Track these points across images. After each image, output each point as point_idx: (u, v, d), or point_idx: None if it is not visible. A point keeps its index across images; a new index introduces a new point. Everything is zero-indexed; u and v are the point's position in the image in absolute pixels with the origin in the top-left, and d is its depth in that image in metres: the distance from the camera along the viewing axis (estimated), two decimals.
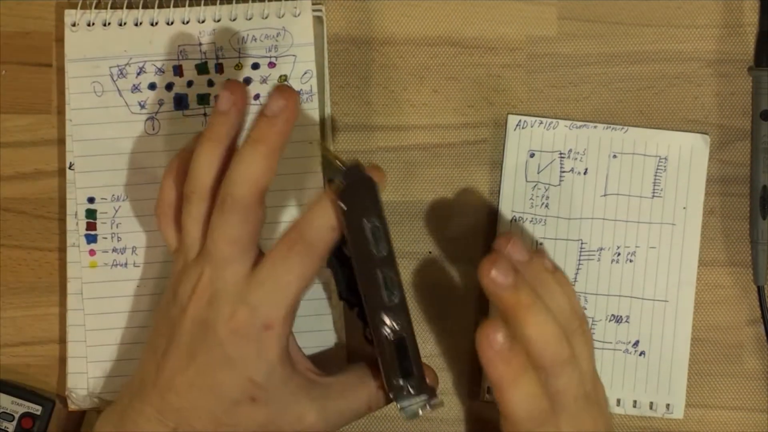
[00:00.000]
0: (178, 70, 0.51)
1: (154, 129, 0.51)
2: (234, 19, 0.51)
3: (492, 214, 0.52)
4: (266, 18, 0.51)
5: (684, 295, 0.51)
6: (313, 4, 0.51)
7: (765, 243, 0.51)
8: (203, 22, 0.51)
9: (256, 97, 0.51)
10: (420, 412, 0.43)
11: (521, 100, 0.52)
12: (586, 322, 0.46)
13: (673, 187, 0.52)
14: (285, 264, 0.42)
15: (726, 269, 0.52)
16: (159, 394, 0.43)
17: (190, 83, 0.51)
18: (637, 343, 0.51)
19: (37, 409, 0.50)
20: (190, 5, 0.52)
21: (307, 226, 0.43)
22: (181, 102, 0.51)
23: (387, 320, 0.43)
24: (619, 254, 0.51)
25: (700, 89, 0.52)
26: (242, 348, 0.42)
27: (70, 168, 0.51)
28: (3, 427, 0.50)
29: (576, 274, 0.51)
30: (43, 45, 0.53)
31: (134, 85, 0.51)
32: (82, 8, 0.52)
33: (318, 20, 0.51)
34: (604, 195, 0.52)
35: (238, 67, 0.51)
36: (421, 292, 0.52)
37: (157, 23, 0.51)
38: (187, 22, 0.51)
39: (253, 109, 0.47)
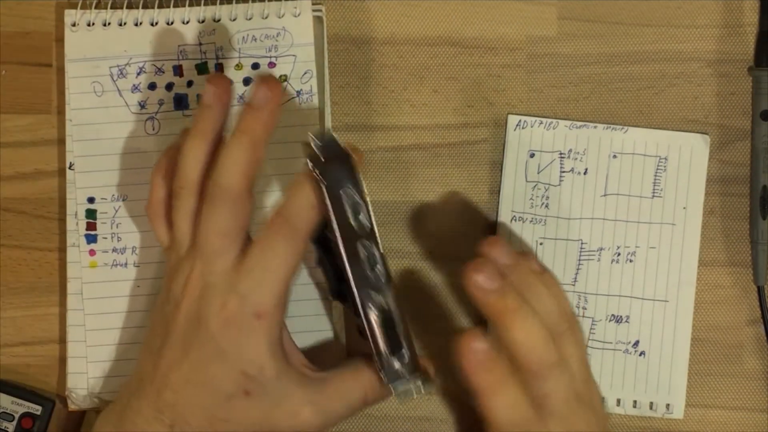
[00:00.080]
0: (178, 70, 0.51)
1: (154, 129, 0.51)
2: (234, 19, 0.51)
3: (492, 214, 0.52)
4: (266, 18, 0.51)
5: (684, 295, 0.51)
6: (313, 4, 0.51)
7: (765, 243, 0.51)
8: (203, 22, 0.51)
9: None
10: (414, 392, 0.43)
11: (521, 100, 0.52)
12: (576, 323, 0.46)
13: (673, 187, 0.52)
14: (271, 248, 0.42)
15: (726, 269, 0.52)
16: (155, 392, 0.43)
17: (190, 83, 0.51)
18: (637, 343, 0.51)
19: (37, 409, 0.50)
20: (190, 5, 0.52)
21: (289, 209, 0.43)
22: (181, 102, 0.51)
23: (371, 296, 0.42)
24: (619, 254, 0.51)
25: (700, 89, 0.52)
26: (234, 339, 0.42)
27: (70, 168, 0.51)
28: (3, 427, 0.50)
29: (576, 274, 0.51)
30: (43, 45, 0.53)
31: (134, 85, 0.51)
32: (82, 8, 0.52)
33: (318, 20, 0.51)
34: (604, 195, 0.52)
35: (238, 67, 0.51)
36: (421, 292, 0.52)
37: (157, 23, 0.51)
38: (187, 22, 0.51)
39: None
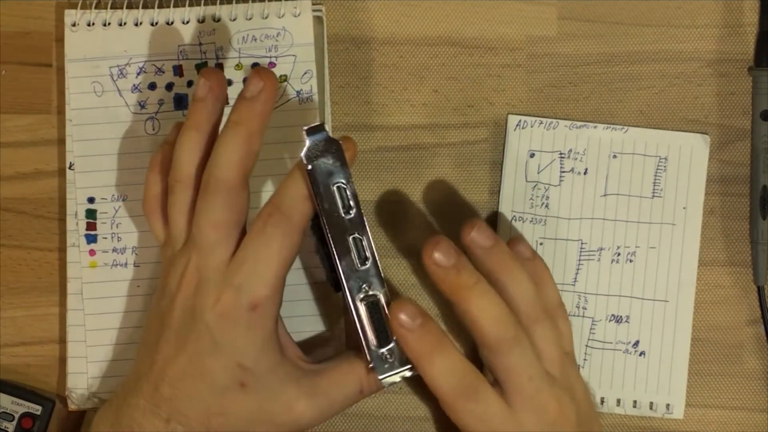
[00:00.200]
0: (178, 70, 0.51)
1: (154, 129, 0.51)
2: (234, 19, 0.51)
3: (492, 214, 0.52)
4: (266, 18, 0.51)
5: (684, 295, 0.51)
6: (313, 4, 0.51)
7: (765, 243, 0.51)
8: (203, 22, 0.51)
9: None
10: (397, 379, 0.43)
11: (521, 100, 0.52)
12: (559, 310, 0.47)
13: (673, 187, 0.52)
14: (263, 238, 0.42)
15: (726, 269, 0.52)
16: (152, 386, 0.43)
17: (190, 83, 0.51)
18: (637, 343, 0.51)
19: (37, 409, 0.50)
20: (190, 5, 0.52)
21: (281, 198, 0.43)
22: (181, 102, 0.51)
23: (361, 289, 0.42)
24: (619, 254, 0.51)
25: (700, 89, 0.52)
26: (230, 332, 0.42)
27: (70, 168, 0.51)
28: (3, 427, 0.50)
29: (576, 274, 0.51)
30: (43, 45, 0.53)
31: (134, 85, 0.51)
32: (82, 8, 0.52)
33: (318, 20, 0.51)
34: (604, 195, 0.52)
35: (238, 67, 0.51)
36: (421, 291, 0.52)
37: (157, 23, 0.51)
38: (187, 22, 0.51)
39: None
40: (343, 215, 0.42)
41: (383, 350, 0.43)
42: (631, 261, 0.51)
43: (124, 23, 0.51)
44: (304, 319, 0.50)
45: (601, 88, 0.52)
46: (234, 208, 0.43)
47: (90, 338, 0.51)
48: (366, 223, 0.42)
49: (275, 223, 0.42)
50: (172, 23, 0.51)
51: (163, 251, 0.46)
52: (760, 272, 0.51)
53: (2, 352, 0.52)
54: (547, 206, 0.52)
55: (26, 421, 0.50)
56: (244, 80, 0.51)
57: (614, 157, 0.52)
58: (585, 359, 0.51)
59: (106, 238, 0.51)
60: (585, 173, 0.52)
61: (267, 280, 0.42)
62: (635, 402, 0.51)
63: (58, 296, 0.52)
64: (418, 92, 0.52)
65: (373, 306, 0.43)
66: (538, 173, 0.52)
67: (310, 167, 0.42)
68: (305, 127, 0.42)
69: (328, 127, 0.51)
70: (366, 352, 0.43)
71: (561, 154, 0.52)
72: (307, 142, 0.42)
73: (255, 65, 0.51)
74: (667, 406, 0.51)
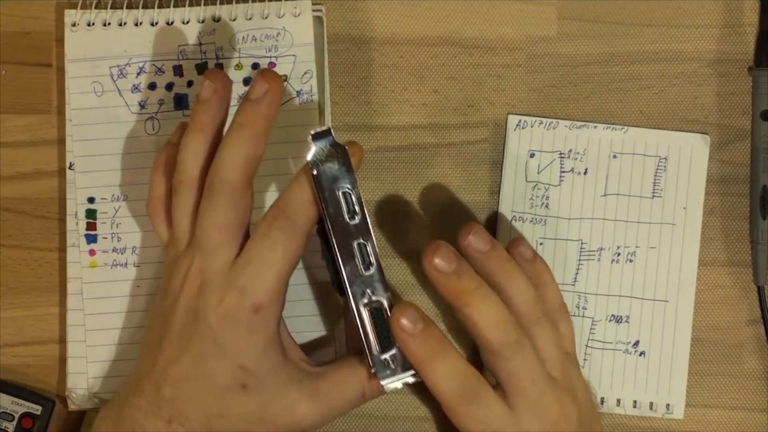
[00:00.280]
0: (178, 70, 0.51)
1: (154, 129, 0.51)
2: (234, 19, 0.51)
3: (492, 214, 0.52)
4: (266, 18, 0.51)
5: (684, 295, 0.51)
6: (313, 4, 0.51)
7: (765, 243, 0.51)
8: (203, 22, 0.51)
9: None
10: (400, 385, 0.43)
11: (521, 100, 0.52)
12: (560, 311, 0.47)
13: (673, 187, 0.52)
14: (267, 241, 0.42)
15: (726, 269, 0.52)
16: (154, 387, 0.43)
17: (190, 83, 0.51)
18: (637, 343, 0.51)
19: (37, 409, 0.50)
20: (190, 5, 0.52)
21: (286, 202, 0.43)
22: (181, 102, 0.51)
23: (364, 294, 0.42)
24: (619, 254, 0.51)
25: (700, 89, 0.52)
26: (232, 334, 0.42)
27: (70, 168, 0.51)
28: (3, 427, 0.50)
29: (576, 274, 0.51)
30: (43, 45, 0.53)
31: (134, 85, 0.51)
32: (82, 8, 0.52)
33: (318, 20, 0.51)
34: (604, 195, 0.52)
35: (238, 67, 0.51)
36: (420, 292, 0.52)
37: (157, 23, 0.51)
38: (187, 22, 0.51)
39: None
40: (348, 220, 0.42)
41: (386, 356, 0.43)
42: (631, 261, 0.51)
43: (124, 23, 0.51)
44: (305, 319, 0.50)
45: (601, 88, 0.52)
46: (238, 210, 0.43)
47: (90, 338, 0.51)
48: (371, 229, 0.42)
49: (279, 227, 0.42)
50: (172, 23, 0.51)
51: (167, 252, 0.46)
52: (760, 272, 0.51)
53: (2, 352, 0.52)
54: (547, 206, 0.52)
55: (26, 421, 0.50)
56: (245, 80, 0.51)
57: (614, 157, 0.52)
58: (585, 359, 0.51)
59: (106, 238, 0.51)
60: (585, 173, 0.52)
61: (270, 283, 0.42)
62: (635, 402, 0.51)
63: (58, 296, 0.52)
64: (418, 92, 0.52)
65: (376, 311, 0.43)
66: (538, 173, 0.52)
67: (315, 172, 0.42)
68: (311, 132, 0.42)
69: (328, 125, 0.51)
70: (368, 357, 0.43)
71: (561, 154, 0.52)
72: (313, 147, 0.42)
73: (255, 65, 0.51)
74: (667, 406, 0.51)
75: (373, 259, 0.42)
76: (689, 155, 0.52)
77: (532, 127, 0.52)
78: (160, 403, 0.42)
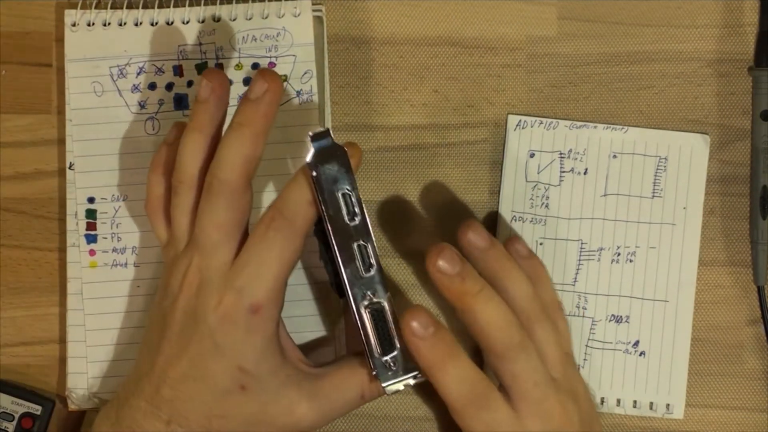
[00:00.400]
0: (178, 70, 0.51)
1: (154, 129, 0.51)
2: (234, 19, 0.51)
3: (492, 214, 0.52)
4: (266, 18, 0.51)
5: (684, 295, 0.51)
6: (313, 4, 0.51)
7: (765, 243, 0.51)
8: (203, 22, 0.51)
9: None
10: (401, 387, 0.43)
11: (521, 100, 0.52)
12: (557, 308, 0.47)
13: (673, 187, 0.52)
14: (265, 242, 0.42)
15: (726, 269, 0.52)
16: (153, 388, 0.43)
17: (190, 83, 0.51)
18: (637, 343, 0.51)
19: (37, 409, 0.50)
20: (190, 5, 0.52)
21: (284, 203, 0.43)
22: (181, 102, 0.51)
23: (365, 295, 0.42)
24: (619, 254, 0.51)
25: (700, 89, 0.52)
26: (231, 335, 0.42)
27: (70, 168, 0.51)
28: (3, 427, 0.50)
29: (576, 274, 0.51)
30: (43, 45, 0.53)
31: (134, 85, 0.51)
32: (82, 8, 0.52)
33: (318, 20, 0.51)
34: (604, 195, 0.52)
35: (238, 67, 0.51)
36: (421, 292, 0.52)
37: (157, 23, 0.51)
38: (187, 22, 0.51)
39: None
40: (348, 222, 0.42)
41: (387, 358, 0.43)
42: (631, 261, 0.51)
43: (124, 23, 0.51)
44: (304, 319, 0.50)
45: (601, 88, 0.52)
46: (237, 210, 0.43)
47: (90, 338, 0.51)
48: (371, 230, 0.42)
49: (278, 228, 0.42)
50: (172, 23, 0.51)
51: (165, 252, 0.46)
52: (760, 272, 0.51)
53: (2, 352, 0.52)
54: (547, 206, 0.52)
55: (26, 421, 0.50)
56: (245, 80, 0.51)
57: (614, 157, 0.52)
58: (585, 359, 0.51)
59: (106, 238, 0.51)
60: (585, 173, 0.52)
61: (268, 284, 0.42)
62: (635, 402, 0.51)
63: (58, 296, 0.52)
64: (418, 92, 0.52)
65: (377, 313, 0.42)
66: (538, 173, 0.52)
67: (315, 173, 0.42)
68: (310, 133, 0.42)
69: (328, 125, 0.51)
70: (369, 359, 0.43)
71: (561, 154, 0.52)
72: (312, 148, 0.42)
73: (255, 65, 0.51)
74: (667, 406, 0.51)
75: (373, 261, 0.42)
76: (689, 155, 0.52)
77: (532, 127, 0.52)
78: (159, 404, 0.42)
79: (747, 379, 0.52)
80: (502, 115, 0.52)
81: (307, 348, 0.50)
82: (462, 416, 0.43)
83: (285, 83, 0.51)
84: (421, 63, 0.52)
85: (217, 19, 0.51)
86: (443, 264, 0.43)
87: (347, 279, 0.42)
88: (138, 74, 0.51)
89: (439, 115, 0.52)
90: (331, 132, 0.42)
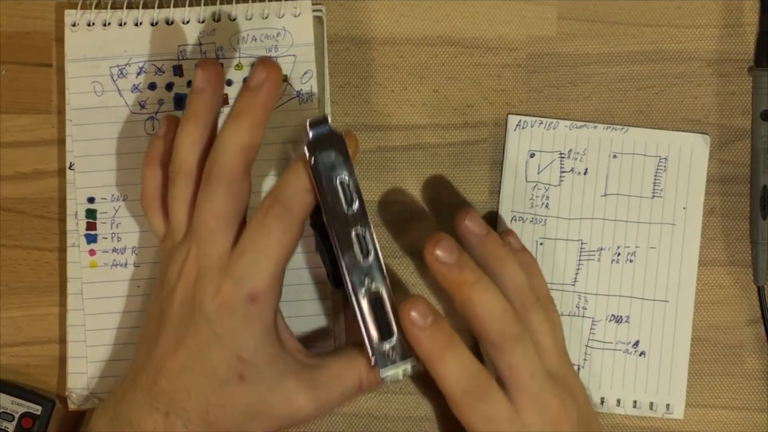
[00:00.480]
0: (178, 70, 0.51)
1: (154, 129, 0.51)
2: (234, 19, 0.51)
3: (492, 214, 0.52)
4: (266, 18, 0.51)
5: (684, 295, 0.51)
6: (313, 4, 0.51)
7: (765, 243, 0.51)
8: (203, 22, 0.51)
9: None
10: (401, 376, 0.43)
11: (521, 100, 0.52)
12: (549, 301, 0.48)
13: (673, 187, 0.52)
14: (263, 229, 0.42)
15: (726, 269, 0.52)
16: (151, 380, 0.43)
17: (190, 83, 0.51)
18: (637, 343, 0.51)
19: (37, 409, 0.50)
20: (190, 5, 0.52)
21: (282, 190, 0.43)
22: (181, 102, 0.51)
23: (363, 283, 0.42)
24: (619, 254, 0.51)
25: (700, 89, 0.52)
26: (229, 323, 0.42)
27: (70, 168, 0.51)
28: (3, 427, 0.50)
29: (576, 274, 0.51)
30: (43, 45, 0.53)
31: (134, 85, 0.51)
32: (82, 8, 0.52)
33: (318, 20, 0.51)
34: (604, 195, 0.52)
35: (238, 67, 0.51)
36: (421, 291, 0.52)
37: (157, 23, 0.51)
38: (187, 22, 0.51)
39: None
40: (346, 209, 0.42)
41: (385, 344, 0.43)
42: (631, 261, 0.51)
43: (124, 23, 0.51)
44: (305, 319, 0.50)
45: (601, 88, 0.52)
46: (235, 198, 0.43)
47: (90, 338, 0.51)
48: (368, 217, 0.42)
49: (276, 215, 0.42)
50: (172, 23, 0.51)
51: (162, 245, 0.46)
52: (760, 272, 0.51)
53: (2, 352, 0.52)
54: (547, 206, 0.52)
55: (26, 421, 0.50)
56: (245, 80, 0.51)
57: (614, 157, 0.52)
58: (585, 359, 0.51)
59: (106, 238, 0.51)
60: (585, 173, 0.52)
61: (267, 273, 0.42)
62: (635, 402, 0.51)
63: (58, 296, 0.52)
64: (418, 92, 0.52)
65: (375, 300, 0.42)
66: (538, 173, 0.52)
67: (313, 161, 0.42)
68: (309, 120, 0.42)
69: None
70: (368, 346, 0.43)
71: (561, 154, 0.52)
72: (310, 135, 0.42)
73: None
74: (667, 406, 0.51)
75: (371, 247, 0.42)
76: (689, 155, 0.52)
77: (532, 127, 0.52)
78: (156, 396, 0.42)
79: (747, 379, 0.52)
80: (502, 115, 0.52)
81: (306, 343, 0.50)
82: (460, 407, 0.43)
83: (285, 83, 0.51)
84: (421, 63, 0.52)
85: (217, 19, 0.51)
86: (441, 253, 0.43)
87: (345, 266, 0.42)
88: (138, 74, 0.51)
89: (439, 115, 0.52)
90: (329, 119, 0.42)
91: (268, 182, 0.51)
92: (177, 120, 0.47)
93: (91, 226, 0.51)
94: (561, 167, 0.52)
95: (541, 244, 0.52)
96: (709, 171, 0.52)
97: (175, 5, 0.52)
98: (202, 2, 0.52)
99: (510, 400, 0.43)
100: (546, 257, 0.51)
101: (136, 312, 0.51)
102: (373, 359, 0.43)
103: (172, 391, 0.42)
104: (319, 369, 0.44)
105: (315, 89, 0.51)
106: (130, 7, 0.52)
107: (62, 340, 0.52)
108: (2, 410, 0.50)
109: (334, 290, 0.48)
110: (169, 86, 0.51)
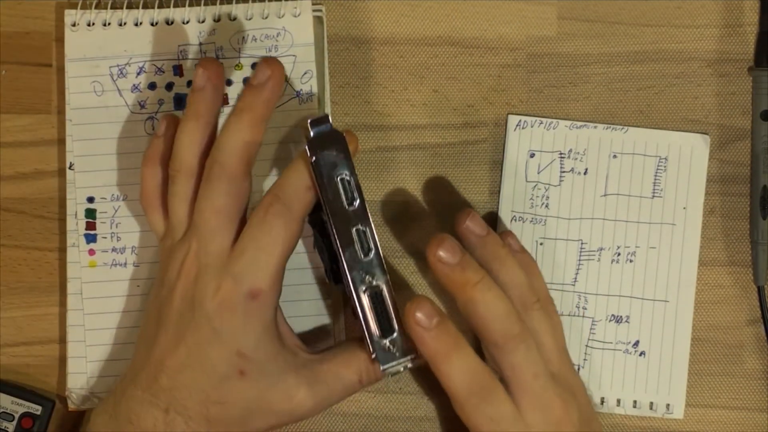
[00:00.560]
0: (178, 70, 0.51)
1: (153, 129, 0.51)
2: (234, 19, 0.51)
3: (492, 214, 0.52)
4: (266, 18, 0.51)
5: (684, 295, 0.51)
6: (313, 4, 0.51)
7: (765, 243, 0.51)
8: (203, 22, 0.51)
9: None
10: (401, 369, 0.43)
11: (521, 100, 0.52)
12: (549, 301, 0.48)
13: (673, 187, 0.52)
14: (263, 227, 0.42)
15: (726, 269, 0.52)
16: (151, 377, 0.43)
17: (190, 83, 0.51)
18: (637, 343, 0.51)
19: (37, 409, 0.50)
20: (190, 5, 0.52)
21: (282, 188, 0.43)
22: (181, 102, 0.51)
23: (364, 279, 0.42)
24: (619, 254, 0.51)
25: (700, 89, 0.52)
26: (229, 320, 0.42)
27: (70, 168, 0.51)
28: (3, 427, 0.50)
29: (576, 274, 0.51)
30: (43, 45, 0.53)
31: (134, 85, 0.51)
32: (82, 8, 0.52)
33: (318, 20, 0.51)
34: (604, 195, 0.52)
35: (238, 67, 0.51)
36: (422, 291, 0.52)
37: (157, 23, 0.51)
38: (187, 22, 0.51)
39: None
40: (347, 207, 0.42)
41: (386, 340, 0.43)
42: (631, 261, 0.51)
43: (124, 23, 0.51)
44: (305, 319, 0.50)
45: (601, 88, 0.52)
46: (236, 195, 0.43)
47: (89, 338, 0.51)
48: (369, 214, 0.43)
49: (276, 213, 0.42)
50: (172, 23, 0.51)
51: (162, 243, 0.46)
52: (760, 272, 0.51)
53: (2, 352, 0.52)
54: (547, 206, 0.52)
55: (26, 421, 0.50)
56: (244, 80, 0.51)
57: (614, 157, 0.52)
58: (585, 359, 0.51)
59: (105, 237, 0.51)
60: (585, 173, 0.52)
61: (267, 270, 0.42)
62: (635, 402, 0.51)
63: (58, 296, 0.52)
64: (418, 92, 0.52)
65: (376, 296, 0.43)
66: (538, 173, 0.52)
67: (314, 159, 0.42)
68: (309, 119, 0.42)
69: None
70: (368, 342, 0.43)
71: (561, 154, 0.52)
72: (312, 134, 0.42)
73: (255, 65, 0.51)
74: (667, 406, 0.51)
75: (372, 245, 0.42)
76: (689, 155, 0.52)
77: (532, 127, 0.52)
78: (157, 393, 0.43)
79: (747, 379, 0.52)
80: (502, 115, 0.52)
81: (306, 340, 0.50)
82: (464, 408, 0.43)
83: (285, 83, 0.51)
84: (421, 63, 0.52)
85: (217, 19, 0.51)
86: (444, 254, 0.43)
87: (346, 263, 0.42)
88: (138, 74, 0.51)
89: (439, 115, 0.52)
90: (330, 117, 0.42)
91: (268, 182, 0.51)
92: (176, 119, 0.47)
93: (90, 225, 0.51)
94: (561, 167, 0.52)
95: (541, 244, 0.52)
96: (709, 171, 0.52)
97: (175, 5, 0.52)
98: (202, 2, 0.52)
99: (514, 401, 0.43)
100: (546, 257, 0.51)
101: (135, 311, 0.51)
102: (374, 354, 0.43)
103: (172, 389, 0.42)
104: (319, 365, 0.44)
105: (315, 89, 0.51)
106: (130, 7, 0.52)
107: (62, 340, 0.52)
108: (2, 410, 0.50)
109: (332, 287, 0.48)
110: (169, 86, 0.51)
